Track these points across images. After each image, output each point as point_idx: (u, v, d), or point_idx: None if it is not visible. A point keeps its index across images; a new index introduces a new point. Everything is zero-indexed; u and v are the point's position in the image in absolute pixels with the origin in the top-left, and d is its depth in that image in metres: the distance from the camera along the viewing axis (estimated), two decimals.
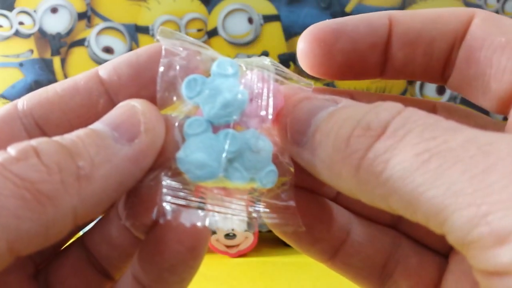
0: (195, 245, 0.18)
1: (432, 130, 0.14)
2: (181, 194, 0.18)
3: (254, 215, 0.18)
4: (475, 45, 0.19)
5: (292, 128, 0.18)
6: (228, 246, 0.54)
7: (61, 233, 0.15)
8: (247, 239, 0.54)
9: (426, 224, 0.14)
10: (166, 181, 0.18)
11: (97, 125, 0.17)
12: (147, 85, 0.19)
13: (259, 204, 0.19)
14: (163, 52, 0.19)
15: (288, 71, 0.20)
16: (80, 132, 0.16)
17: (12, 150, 0.15)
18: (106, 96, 0.19)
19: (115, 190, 0.16)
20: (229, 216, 0.18)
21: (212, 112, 0.18)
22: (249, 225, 0.18)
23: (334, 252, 0.21)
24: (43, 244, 0.15)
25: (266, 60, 0.19)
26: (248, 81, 0.19)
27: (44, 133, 0.19)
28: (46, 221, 0.14)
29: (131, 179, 0.17)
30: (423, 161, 0.14)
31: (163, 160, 0.18)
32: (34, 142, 0.15)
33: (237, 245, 0.54)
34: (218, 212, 0.18)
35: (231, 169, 0.18)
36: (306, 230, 0.20)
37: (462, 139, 0.14)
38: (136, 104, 0.17)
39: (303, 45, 0.20)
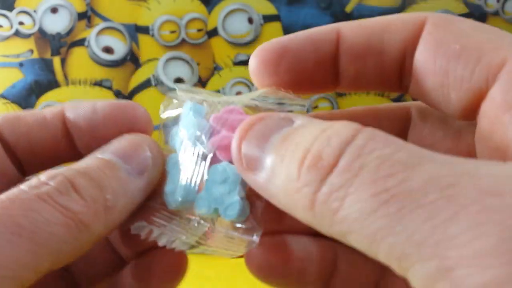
0: (177, 274, 0.20)
1: (390, 165, 0.13)
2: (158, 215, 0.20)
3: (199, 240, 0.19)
4: (429, 54, 0.18)
5: (246, 154, 0.17)
6: None
7: (82, 253, 0.17)
8: None
9: (388, 266, 0.13)
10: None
11: (111, 157, 0.19)
12: (107, 136, 0.20)
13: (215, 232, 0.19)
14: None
15: (282, 94, 0.20)
16: (99, 163, 0.18)
17: (50, 181, 0.17)
18: (68, 139, 0.21)
19: (126, 215, 0.18)
20: (169, 234, 0.19)
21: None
22: (192, 247, 0.20)
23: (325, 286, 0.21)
24: (68, 262, 0.17)
25: (256, 94, 0.20)
26: (216, 117, 0.20)
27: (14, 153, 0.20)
28: (80, 245, 0.17)
29: (137, 205, 0.19)
30: (381, 202, 0.13)
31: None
32: (67, 175, 0.17)
33: None
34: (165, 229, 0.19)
35: (198, 199, 0.19)
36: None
37: (422, 179, 0.13)
38: (142, 139, 0.19)
39: (251, 66, 0.20)
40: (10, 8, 0.53)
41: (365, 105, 0.23)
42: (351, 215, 0.13)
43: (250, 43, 0.53)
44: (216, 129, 0.19)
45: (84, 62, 0.53)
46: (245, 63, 0.53)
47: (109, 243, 0.22)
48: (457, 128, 0.20)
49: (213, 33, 0.53)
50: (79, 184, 0.17)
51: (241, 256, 0.20)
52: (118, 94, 0.53)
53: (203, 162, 0.19)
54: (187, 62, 0.53)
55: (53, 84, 0.54)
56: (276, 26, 0.54)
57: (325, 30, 0.20)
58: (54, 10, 0.54)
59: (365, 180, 0.13)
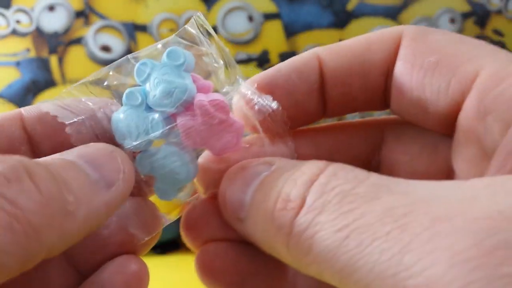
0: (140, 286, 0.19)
1: (350, 200, 0.14)
2: None
3: None
4: (405, 69, 0.19)
5: (230, 206, 0.17)
6: None
7: (27, 268, 0.14)
8: None
9: None
10: None
11: (76, 159, 0.16)
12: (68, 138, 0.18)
13: None
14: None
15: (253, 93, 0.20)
16: (60, 161, 0.15)
17: (0, 166, 0.13)
18: (27, 145, 0.19)
19: (87, 231, 0.15)
20: None
21: (153, 99, 0.19)
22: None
23: None
24: (10, 277, 0.13)
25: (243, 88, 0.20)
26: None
27: None
28: (26, 256, 0.13)
29: (101, 222, 0.16)
30: (342, 238, 0.13)
31: None
32: (24, 160, 0.14)
33: None
34: None
35: (157, 190, 0.19)
36: None
37: (379, 211, 0.13)
38: (114, 150, 0.17)
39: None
40: (7, 6, 0.53)
41: (342, 120, 0.23)
42: (320, 254, 0.14)
43: (250, 42, 0.53)
44: (193, 111, 0.19)
45: (81, 61, 0.53)
46: (245, 62, 0.53)
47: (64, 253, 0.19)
48: (433, 143, 0.20)
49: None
50: (36, 173, 0.14)
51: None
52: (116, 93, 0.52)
53: (159, 119, 0.19)
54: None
55: (50, 83, 0.54)
56: (276, 24, 0.53)
57: (306, 59, 0.20)
58: (51, 8, 0.53)
59: (328, 217, 0.14)
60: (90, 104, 0.19)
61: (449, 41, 0.18)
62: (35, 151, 0.19)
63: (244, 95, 0.20)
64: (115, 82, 0.20)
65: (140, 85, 0.19)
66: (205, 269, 0.20)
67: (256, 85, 0.20)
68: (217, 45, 0.20)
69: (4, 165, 0.13)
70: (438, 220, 0.12)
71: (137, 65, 0.19)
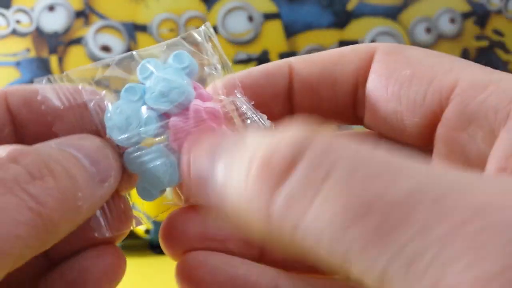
0: (115, 275, 0.18)
1: (364, 169, 0.11)
2: None
3: None
4: (380, 81, 0.18)
5: (196, 163, 0.14)
6: None
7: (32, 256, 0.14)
8: None
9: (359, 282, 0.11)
10: None
11: (77, 153, 0.16)
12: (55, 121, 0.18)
13: None
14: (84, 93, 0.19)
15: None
16: (64, 155, 0.15)
17: (21, 160, 0.13)
18: (12, 126, 0.18)
19: (84, 221, 0.16)
20: None
21: (151, 96, 0.19)
22: None
23: None
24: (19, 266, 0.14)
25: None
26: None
27: None
28: (43, 248, 0.14)
29: (92, 214, 0.17)
30: (356, 215, 0.11)
31: None
32: (45, 156, 0.14)
33: None
34: None
35: (139, 189, 0.19)
36: None
37: (405, 189, 0.11)
38: (105, 145, 0.17)
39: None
40: (7, 6, 0.53)
41: None
42: (316, 231, 0.11)
43: (250, 42, 0.53)
44: (187, 114, 0.19)
45: (81, 61, 0.53)
46: (245, 62, 0.53)
47: None
48: (410, 157, 0.19)
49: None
50: (55, 169, 0.14)
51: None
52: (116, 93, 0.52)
53: (151, 115, 0.19)
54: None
55: None
56: (276, 24, 0.53)
57: (278, 65, 0.20)
58: (51, 8, 0.53)
59: (334, 188, 0.11)
60: (83, 93, 0.19)
61: (424, 55, 0.18)
62: (18, 134, 0.18)
63: (239, 108, 0.20)
64: (114, 75, 0.20)
65: (141, 83, 0.19)
66: (186, 279, 0.19)
67: (224, 84, 0.20)
68: (220, 57, 0.21)
69: (27, 159, 0.13)
70: (485, 210, 0.10)
71: (142, 62, 0.19)
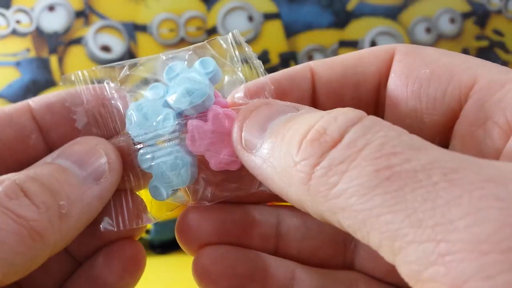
0: (136, 270, 0.20)
1: (394, 144, 0.14)
2: None
3: None
4: (400, 80, 0.19)
5: (247, 133, 0.17)
6: None
7: (37, 266, 0.16)
8: None
9: (377, 249, 0.13)
10: None
11: (63, 162, 0.18)
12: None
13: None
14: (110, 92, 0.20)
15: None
16: (50, 169, 0.17)
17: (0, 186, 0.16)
18: (37, 133, 0.20)
19: (84, 225, 0.18)
20: None
21: (173, 95, 0.19)
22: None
23: None
24: (22, 276, 0.16)
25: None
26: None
27: None
28: (35, 256, 0.15)
29: (95, 214, 0.18)
30: (382, 179, 0.13)
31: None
32: (16, 179, 0.16)
33: None
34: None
35: (151, 188, 0.20)
36: None
37: (425, 161, 0.13)
38: (98, 143, 0.18)
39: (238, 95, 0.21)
40: (7, 6, 0.53)
41: None
42: (348, 190, 0.13)
43: (250, 42, 0.53)
44: (205, 117, 0.19)
45: (81, 61, 0.53)
46: (245, 62, 0.53)
47: None
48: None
49: (212, 31, 0.52)
50: (29, 189, 0.16)
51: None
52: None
53: (171, 112, 0.19)
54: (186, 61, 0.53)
55: (50, 83, 0.54)
56: (276, 24, 0.53)
57: (299, 68, 0.21)
58: (51, 8, 0.53)
59: (368, 156, 0.13)
60: (107, 89, 0.20)
61: (442, 55, 0.19)
62: (46, 139, 0.20)
63: None
64: (140, 75, 0.21)
65: (165, 84, 0.20)
66: (202, 274, 0.20)
67: (256, 85, 0.20)
68: (250, 66, 0.22)
69: (2, 185, 0.16)
70: (491, 182, 0.12)
71: (169, 64, 0.20)
